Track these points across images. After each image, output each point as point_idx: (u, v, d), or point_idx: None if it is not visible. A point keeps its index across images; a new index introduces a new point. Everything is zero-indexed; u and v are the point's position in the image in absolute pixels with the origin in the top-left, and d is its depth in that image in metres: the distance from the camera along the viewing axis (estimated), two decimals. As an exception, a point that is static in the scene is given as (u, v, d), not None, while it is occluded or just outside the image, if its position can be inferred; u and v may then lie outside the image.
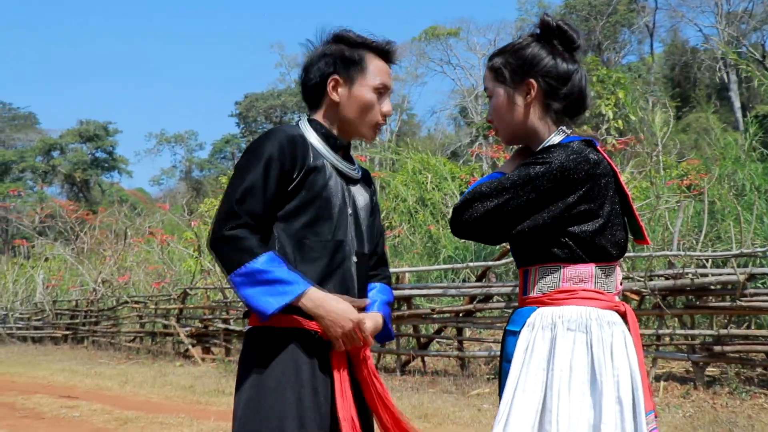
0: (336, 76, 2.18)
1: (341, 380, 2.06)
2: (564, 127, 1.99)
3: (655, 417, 1.92)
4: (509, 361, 1.93)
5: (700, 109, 25.69)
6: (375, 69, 2.19)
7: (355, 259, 2.19)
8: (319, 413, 2.02)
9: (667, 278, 7.14)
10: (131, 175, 74.27)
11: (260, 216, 2.05)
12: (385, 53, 2.24)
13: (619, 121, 13.70)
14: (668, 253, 7.48)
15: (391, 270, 10.00)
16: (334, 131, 2.22)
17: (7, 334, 18.77)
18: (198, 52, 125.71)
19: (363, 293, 2.24)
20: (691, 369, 7.24)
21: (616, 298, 1.95)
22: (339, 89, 2.19)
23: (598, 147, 1.95)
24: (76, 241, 18.86)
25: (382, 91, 2.20)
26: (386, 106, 2.22)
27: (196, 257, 14.03)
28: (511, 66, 1.99)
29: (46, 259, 21.37)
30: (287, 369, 2.02)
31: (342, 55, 2.17)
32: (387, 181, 17.72)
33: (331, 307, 2.04)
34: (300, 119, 2.26)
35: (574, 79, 1.97)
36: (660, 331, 7.28)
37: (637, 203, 9.94)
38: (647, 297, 7.28)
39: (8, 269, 21.67)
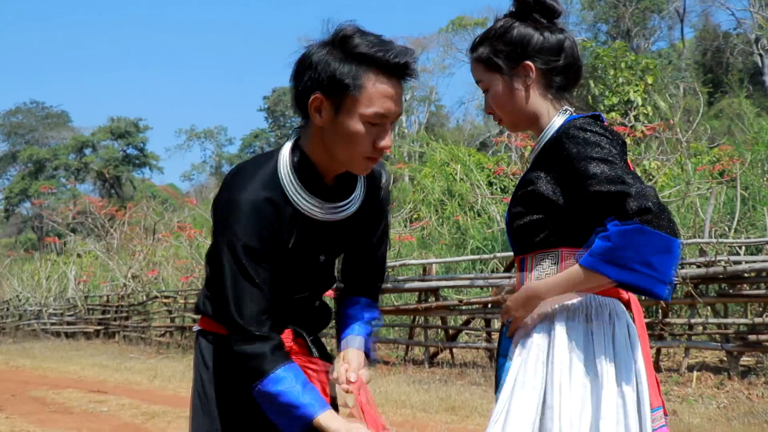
0: (319, 95, 1.73)
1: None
2: (567, 106, 1.91)
3: (665, 414, 1.82)
4: (505, 356, 1.84)
5: (732, 95, 25.16)
6: (373, 94, 1.71)
7: (316, 303, 2.08)
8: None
9: (698, 266, 6.99)
10: (162, 171, 75.28)
11: (266, 309, 1.83)
12: (394, 68, 1.73)
13: (648, 107, 13.47)
14: (700, 240, 7.32)
15: (419, 261, 9.96)
16: (322, 161, 1.85)
17: (42, 330, 19.08)
18: (226, 48, 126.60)
19: (320, 327, 2.11)
20: (725, 358, 7.08)
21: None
22: (322, 112, 1.75)
23: (605, 123, 1.86)
24: (107, 237, 19.08)
25: (377, 122, 1.74)
26: (383, 139, 1.77)
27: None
28: (502, 53, 1.89)
29: (78, 256, 21.65)
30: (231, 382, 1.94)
31: (330, 71, 1.71)
32: (415, 173, 17.65)
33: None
34: (285, 145, 1.88)
35: (566, 49, 1.89)
36: (692, 320, 7.13)
37: (666, 190, 9.75)
38: (678, 285, 7.13)
39: (42, 266, 22.01)
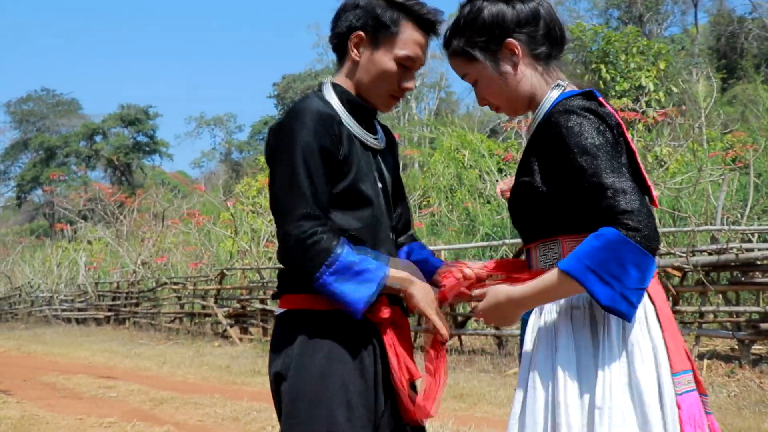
0: (361, 33, 1.99)
1: (397, 354, 1.98)
2: (559, 80, 1.82)
3: (695, 380, 1.72)
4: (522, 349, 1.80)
5: (747, 80, 24.92)
6: (407, 38, 1.98)
7: (393, 235, 2.11)
8: (365, 397, 1.94)
9: (710, 253, 6.91)
10: (172, 158, 75.48)
11: (325, 207, 1.91)
12: (427, 24, 2.00)
13: (660, 93, 13.32)
14: (711, 227, 7.24)
15: (428, 248, 9.87)
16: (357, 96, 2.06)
17: (53, 316, 19.18)
18: (235, 35, 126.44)
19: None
20: (736, 347, 7.01)
21: None
22: (361, 48, 2.01)
23: (600, 98, 1.76)
24: (116, 224, 19.13)
25: (407, 64, 1.99)
26: (409, 81, 2.03)
27: (233, 237, 14.10)
28: (479, 41, 1.81)
29: (89, 242, 21.73)
30: (330, 354, 1.92)
31: (375, 13, 1.98)
32: (424, 159, 17.57)
33: (417, 281, 1.95)
34: (323, 83, 2.09)
35: (544, 15, 1.79)
36: (703, 308, 7.06)
37: (678, 176, 9.66)
38: (690, 273, 7.06)
39: (53, 252, 22.10)
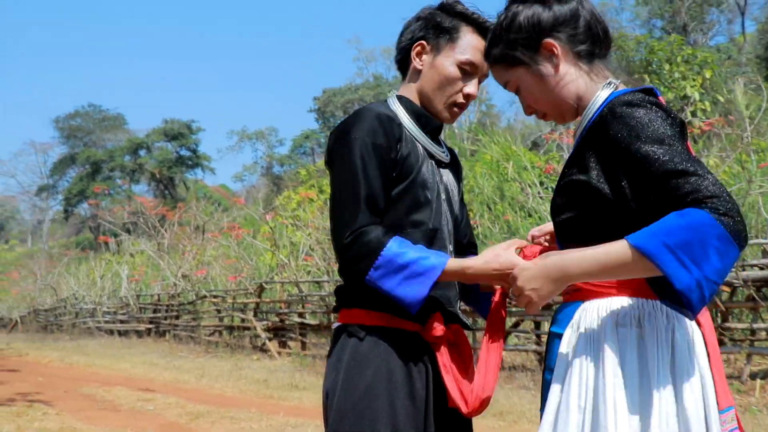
0: (423, 42, 2.01)
1: (452, 376, 1.90)
2: (611, 78, 1.70)
3: (736, 416, 1.58)
4: (552, 370, 1.63)
5: (796, 90, 24.23)
6: (467, 43, 1.99)
7: (451, 247, 2.04)
8: (414, 419, 1.88)
9: (762, 268, 6.67)
10: (214, 171, 76.20)
11: (381, 209, 1.88)
12: (486, 31, 1.97)
13: (706, 103, 13.01)
14: (762, 241, 6.99)
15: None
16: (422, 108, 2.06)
17: (96, 328, 19.44)
18: (276, 49, 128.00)
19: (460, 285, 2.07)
20: (790, 366, 6.73)
21: None
22: (423, 56, 2.02)
23: (660, 98, 1.63)
24: (158, 237, 19.34)
25: (468, 69, 1.99)
26: (470, 87, 2.01)
27: (272, 251, 14.11)
28: (517, 44, 1.72)
29: (131, 255, 22.02)
30: (379, 371, 1.87)
31: (435, 21, 2.01)
32: (466, 170, 17.39)
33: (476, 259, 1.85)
34: (390, 95, 2.09)
35: (583, 14, 1.69)
36: (755, 325, 6.80)
37: (726, 188, 9.36)
38: (739, 288, 6.81)
39: (96, 265, 22.45)
